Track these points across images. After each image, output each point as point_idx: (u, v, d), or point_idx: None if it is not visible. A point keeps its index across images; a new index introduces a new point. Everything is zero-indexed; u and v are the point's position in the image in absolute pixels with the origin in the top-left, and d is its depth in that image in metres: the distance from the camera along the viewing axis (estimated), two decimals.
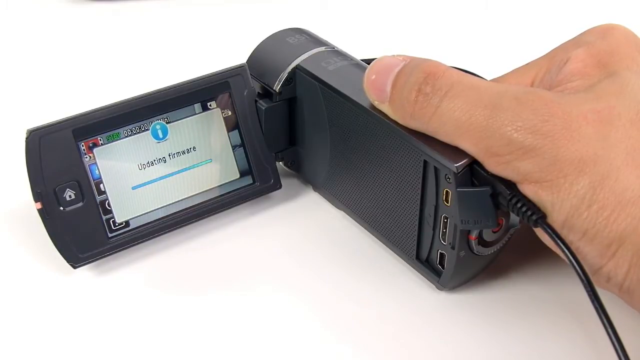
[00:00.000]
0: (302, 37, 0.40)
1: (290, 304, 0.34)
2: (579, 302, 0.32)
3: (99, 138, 0.35)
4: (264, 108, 0.39)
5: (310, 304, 0.34)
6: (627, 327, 0.29)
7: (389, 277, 0.36)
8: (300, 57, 0.38)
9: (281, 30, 0.41)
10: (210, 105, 0.38)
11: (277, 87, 0.38)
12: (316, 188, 0.41)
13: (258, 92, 0.39)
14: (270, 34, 0.41)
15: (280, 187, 0.40)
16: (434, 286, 0.35)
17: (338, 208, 0.40)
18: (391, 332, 0.33)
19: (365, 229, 0.38)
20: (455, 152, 0.31)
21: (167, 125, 0.37)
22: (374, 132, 0.34)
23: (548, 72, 0.33)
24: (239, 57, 0.40)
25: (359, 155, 0.36)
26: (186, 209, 0.38)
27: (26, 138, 0.33)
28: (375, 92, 0.33)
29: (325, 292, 0.35)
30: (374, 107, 0.34)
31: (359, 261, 0.37)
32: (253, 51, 0.40)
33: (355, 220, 0.39)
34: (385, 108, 0.33)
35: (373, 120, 0.34)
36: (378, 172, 0.35)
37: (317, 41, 0.40)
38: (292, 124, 0.40)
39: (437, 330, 0.33)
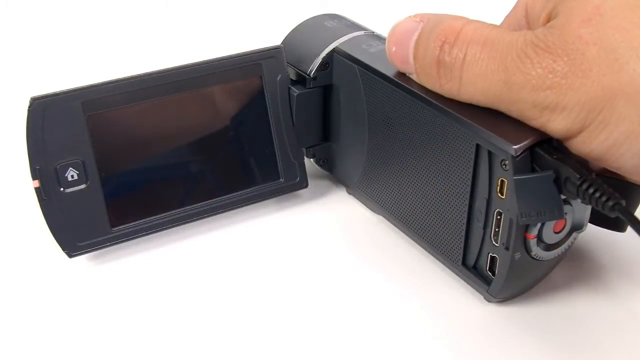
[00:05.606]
0: (341, 22, 0.37)
1: (315, 307, 0.31)
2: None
3: (111, 114, 0.31)
4: (296, 94, 0.35)
5: (342, 317, 0.31)
6: None
7: (431, 286, 0.32)
8: (338, 40, 0.35)
9: (317, 15, 0.38)
10: (236, 90, 0.34)
11: (311, 71, 0.35)
12: (350, 189, 0.38)
13: (291, 79, 0.36)
14: (303, 20, 0.38)
15: (307, 185, 0.37)
16: (481, 297, 0.31)
17: (373, 211, 0.36)
18: (437, 348, 0.29)
19: (404, 232, 0.34)
20: (515, 132, 0.27)
21: (187, 108, 0.33)
22: (417, 114, 0.31)
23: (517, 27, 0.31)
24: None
25: (399, 145, 0.32)
26: (202, 203, 0.34)
27: (29, 107, 0.30)
28: (401, 65, 0.31)
29: (361, 301, 0.31)
30: (420, 88, 0.30)
31: (397, 268, 0.33)
32: (287, 35, 0.37)
33: (393, 223, 0.35)
34: (416, 79, 0.31)
35: (416, 101, 0.30)
36: (421, 163, 0.31)
37: (356, 26, 0.37)
38: (326, 116, 0.37)
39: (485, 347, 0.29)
